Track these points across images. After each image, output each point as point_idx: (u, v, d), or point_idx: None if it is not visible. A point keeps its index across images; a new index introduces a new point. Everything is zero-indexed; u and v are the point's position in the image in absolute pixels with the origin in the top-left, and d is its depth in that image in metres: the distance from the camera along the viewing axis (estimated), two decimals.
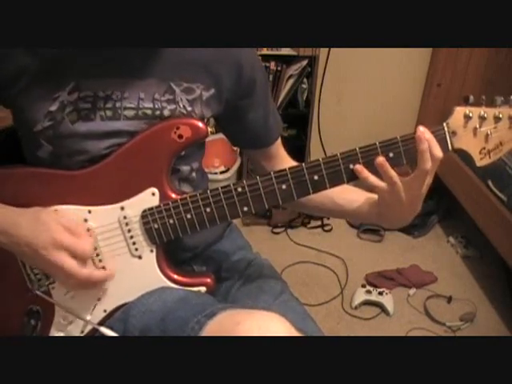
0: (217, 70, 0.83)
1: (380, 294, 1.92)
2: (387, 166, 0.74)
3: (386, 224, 0.85)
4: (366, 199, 0.85)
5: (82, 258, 0.75)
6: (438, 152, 0.73)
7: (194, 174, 0.91)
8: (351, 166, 0.75)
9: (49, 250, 0.73)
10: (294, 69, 2.44)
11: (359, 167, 0.75)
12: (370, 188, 0.76)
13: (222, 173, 2.40)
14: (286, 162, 0.98)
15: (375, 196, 0.80)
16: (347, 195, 0.87)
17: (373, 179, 0.75)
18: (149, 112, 0.79)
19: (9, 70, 0.74)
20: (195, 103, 0.82)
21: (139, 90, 0.78)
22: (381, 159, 0.74)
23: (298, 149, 2.57)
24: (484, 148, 0.76)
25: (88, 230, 0.79)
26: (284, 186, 0.77)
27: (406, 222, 0.82)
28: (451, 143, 0.75)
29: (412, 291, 2.01)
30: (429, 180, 0.75)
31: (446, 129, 0.74)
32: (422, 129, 0.73)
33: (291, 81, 2.47)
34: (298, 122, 2.59)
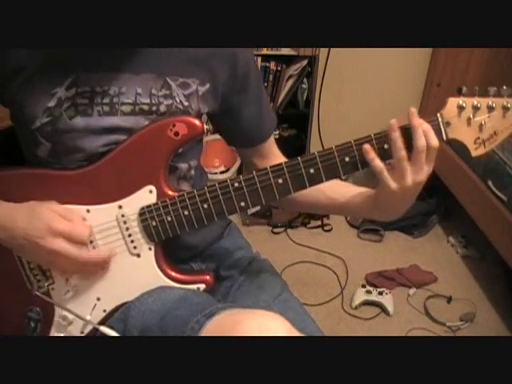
0: (212, 64, 0.83)
1: (380, 293, 1.92)
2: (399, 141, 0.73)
3: (378, 215, 0.84)
4: (359, 192, 0.85)
5: (79, 242, 0.75)
6: (435, 141, 0.72)
7: (192, 172, 0.91)
8: (347, 159, 0.75)
9: (45, 239, 0.73)
10: (294, 69, 2.44)
11: (367, 147, 0.74)
12: (374, 172, 0.75)
13: (222, 173, 2.40)
14: (279, 160, 0.98)
15: (367, 190, 0.80)
16: (340, 189, 0.88)
17: (378, 162, 0.74)
18: (145, 108, 0.79)
19: (7, 66, 0.74)
20: (191, 98, 0.82)
21: (136, 86, 0.78)
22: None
23: (298, 149, 2.57)
24: (478, 138, 0.75)
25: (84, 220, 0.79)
26: (280, 180, 0.77)
27: (400, 213, 0.82)
28: (446, 134, 0.75)
29: (412, 291, 2.00)
30: (427, 170, 0.74)
31: (439, 119, 0.74)
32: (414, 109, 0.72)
33: (291, 81, 2.47)
34: (297, 121, 2.59)
